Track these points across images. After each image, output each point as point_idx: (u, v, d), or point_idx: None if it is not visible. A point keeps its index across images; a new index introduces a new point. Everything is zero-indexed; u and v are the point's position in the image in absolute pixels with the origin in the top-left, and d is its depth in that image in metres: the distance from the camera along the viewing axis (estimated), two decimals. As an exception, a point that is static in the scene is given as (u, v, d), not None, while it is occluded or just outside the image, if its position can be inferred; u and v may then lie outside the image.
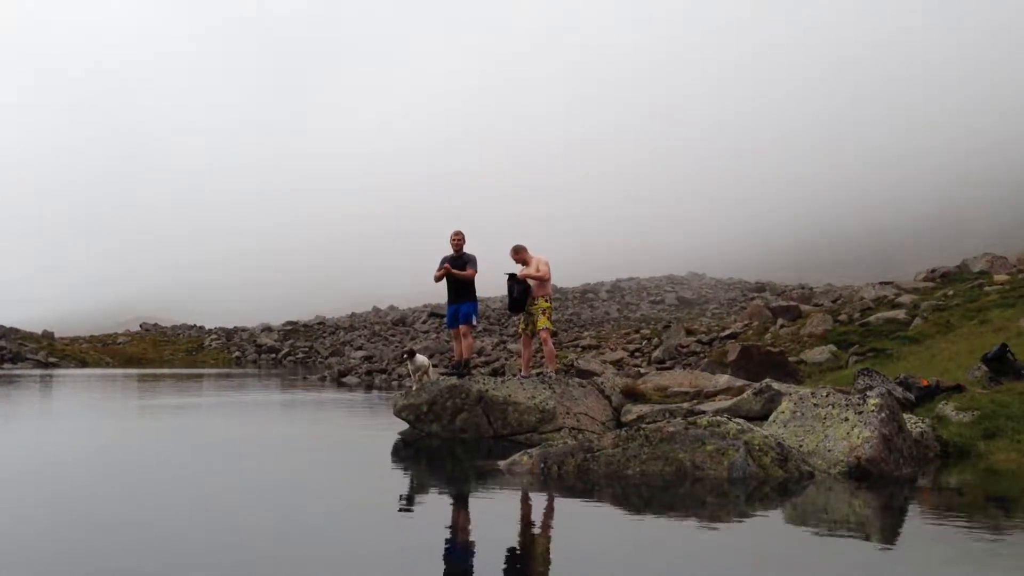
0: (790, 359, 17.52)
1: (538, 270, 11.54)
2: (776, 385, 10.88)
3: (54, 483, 7.40)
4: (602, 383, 12.19)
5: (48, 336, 50.04)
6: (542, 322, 11.50)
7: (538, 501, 6.80)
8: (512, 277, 11.64)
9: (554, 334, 11.72)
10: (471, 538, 5.59)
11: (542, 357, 12.48)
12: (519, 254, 11.75)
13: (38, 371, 36.12)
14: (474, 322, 11.94)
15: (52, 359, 43.08)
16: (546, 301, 11.58)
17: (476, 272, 11.63)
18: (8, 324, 49.57)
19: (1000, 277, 21.15)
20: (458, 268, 11.51)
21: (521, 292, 11.61)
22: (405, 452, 9.99)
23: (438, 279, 11.75)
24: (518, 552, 5.12)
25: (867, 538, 5.51)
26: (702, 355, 23.67)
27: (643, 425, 7.93)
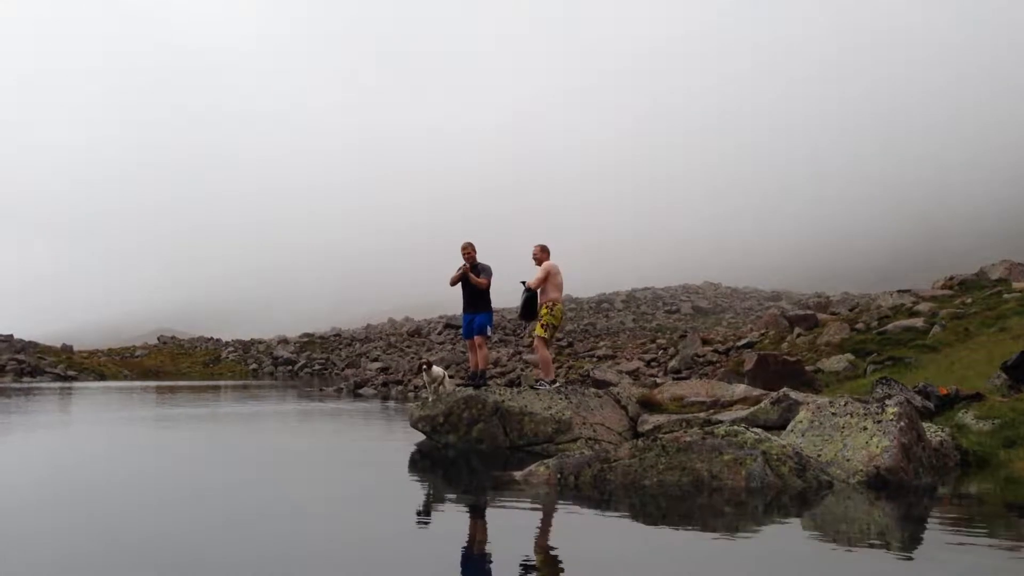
0: (807, 368, 17.42)
1: (536, 278, 11.57)
2: (793, 394, 10.83)
3: (77, 496, 7.46)
4: (618, 393, 12.17)
5: (67, 349, 50.44)
6: (536, 329, 11.54)
7: (555, 512, 6.80)
8: (525, 285, 11.69)
9: (548, 342, 11.63)
10: (488, 549, 5.59)
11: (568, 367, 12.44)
12: (543, 253, 11.71)
13: (57, 384, 36.38)
14: (489, 333, 11.98)
15: (71, 372, 43.39)
16: (545, 308, 11.52)
17: (489, 282, 11.69)
18: (27, 338, 50.01)
19: (1019, 284, 20.96)
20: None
21: (527, 299, 11.63)
22: (422, 463, 10.01)
23: (454, 281, 11.85)
24: (535, 563, 5.12)
25: (887, 548, 5.47)
26: (718, 364, 23.61)
27: (660, 435, 7.92)
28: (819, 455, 7.65)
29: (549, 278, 11.46)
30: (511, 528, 6.26)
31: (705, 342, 27.62)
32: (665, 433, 8.19)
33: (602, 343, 38.47)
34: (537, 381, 11.70)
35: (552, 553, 5.46)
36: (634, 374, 25.16)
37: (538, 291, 11.58)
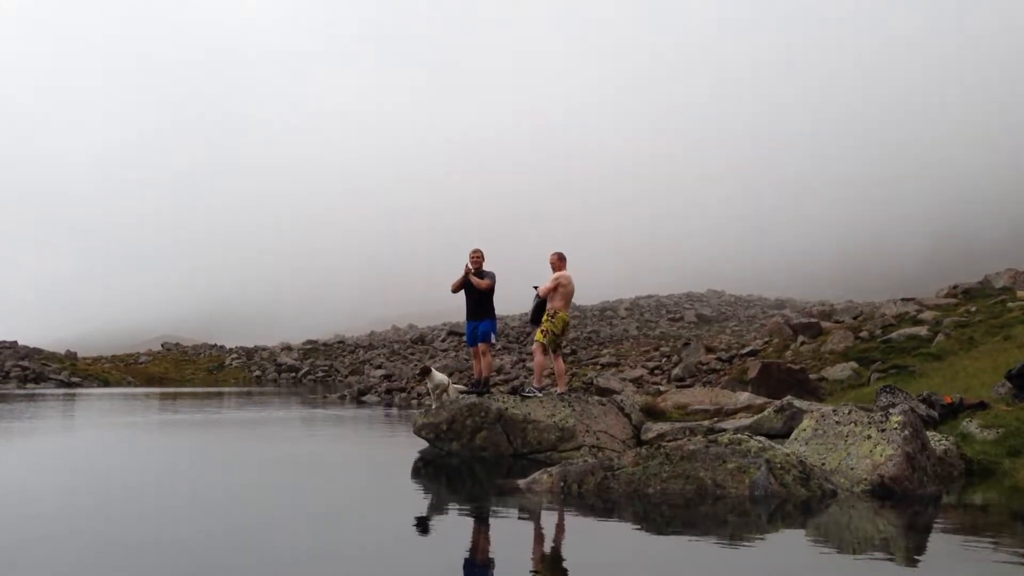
0: (811, 376, 17.40)
1: (545, 286, 11.59)
2: (797, 402, 10.83)
3: (79, 502, 7.46)
4: (622, 401, 12.16)
5: (71, 356, 50.47)
6: (536, 335, 11.55)
7: (558, 520, 6.79)
8: (537, 290, 11.74)
9: (547, 349, 11.57)
10: (491, 557, 5.59)
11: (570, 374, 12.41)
12: (560, 261, 11.68)
13: (61, 390, 36.42)
14: (493, 340, 11.99)
15: (75, 378, 43.43)
16: (547, 316, 11.50)
17: (492, 285, 11.71)
18: (32, 344, 50.09)
19: (1023, 293, 20.93)
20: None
21: (537, 304, 11.68)
22: (425, 470, 10.00)
23: (455, 288, 11.89)
24: (537, 570, 5.11)
25: (891, 557, 5.46)
26: (722, 372, 23.55)
27: (663, 443, 7.91)
28: (823, 464, 7.64)
29: (558, 288, 11.46)
30: (514, 535, 6.25)
31: (709, 350, 27.55)
32: (669, 441, 8.18)
33: (605, 351, 38.41)
34: (537, 389, 11.68)
35: (555, 560, 5.45)
36: (637, 382, 25.09)
37: (547, 298, 11.60)
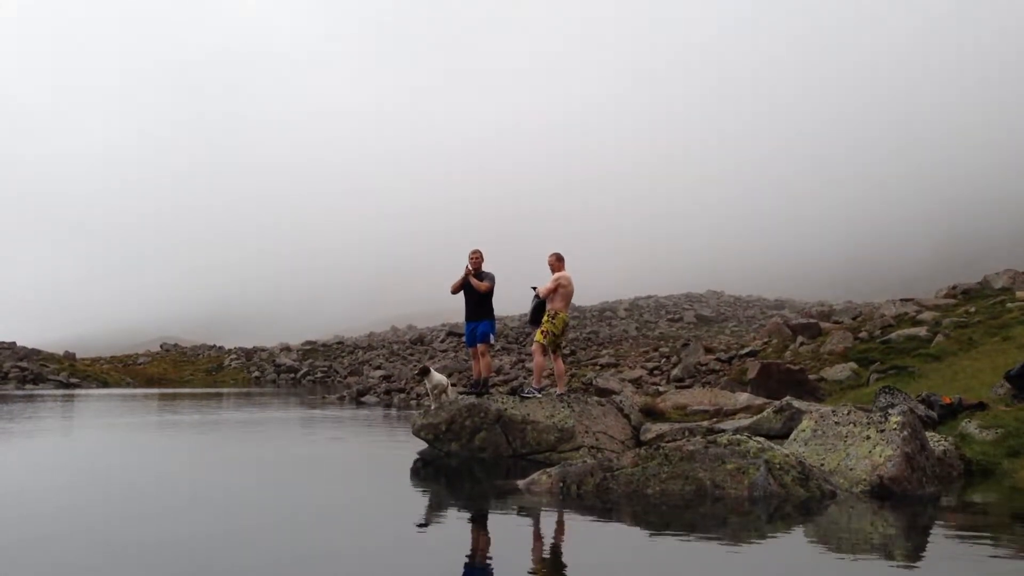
0: (810, 377, 17.41)
1: (546, 287, 11.59)
2: (796, 403, 10.84)
3: (78, 504, 7.46)
4: (621, 401, 12.16)
5: (70, 357, 50.47)
6: (536, 335, 11.55)
7: (557, 521, 6.79)
8: (536, 291, 11.74)
9: (547, 349, 11.55)
10: (490, 558, 5.59)
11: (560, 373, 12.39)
12: (559, 262, 11.68)
13: (59, 391, 36.40)
14: (492, 340, 11.99)
15: (73, 379, 43.42)
16: (547, 316, 11.50)
17: (491, 286, 11.71)
18: (31, 345, 50.07)
19: (1023, 294, 20.92)
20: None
21: (536, 305, 11.69)
22: (424, 471, 10.00)
23: (455, 289, 11.89)
24: (537, 571, 5.11)
25: (891, 558, 5.46)
26: (721, 373, 23.57)
27: (663, 444, 7.91)
28: (822, 464, 7.64)
29: (558, 289, 11.46)
30: (513, 536, 6.25)
31: (708, 351, 27.56)
32: (668, 442, 8.19)
33: (605, 351, 38.42)
34: (536, 389, 11.67)
35: (554, 561, 5.45)
36: (637, 382, 25.09)
37: (547, 298, 11.60)
